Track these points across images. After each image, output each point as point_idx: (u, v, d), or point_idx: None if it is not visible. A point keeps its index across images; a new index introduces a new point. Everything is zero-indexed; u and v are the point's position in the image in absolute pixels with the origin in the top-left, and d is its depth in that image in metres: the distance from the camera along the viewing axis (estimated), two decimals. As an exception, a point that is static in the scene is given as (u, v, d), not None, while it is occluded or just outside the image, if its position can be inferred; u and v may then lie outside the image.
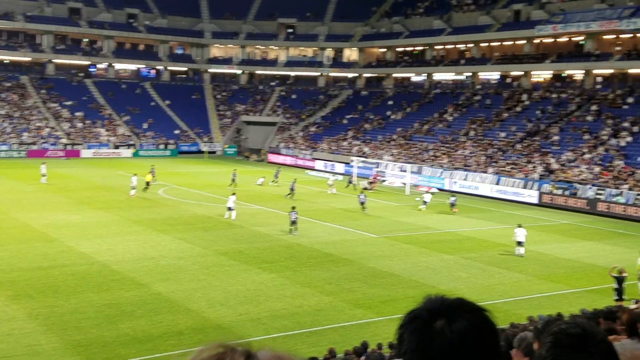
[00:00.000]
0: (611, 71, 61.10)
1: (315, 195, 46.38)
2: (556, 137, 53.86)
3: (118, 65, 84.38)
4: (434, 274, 25.77)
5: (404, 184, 52.09)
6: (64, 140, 68.96)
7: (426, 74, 77.86)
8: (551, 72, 66.24)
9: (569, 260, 29.04)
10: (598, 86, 60.62)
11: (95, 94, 78.43)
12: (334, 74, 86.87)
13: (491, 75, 72.06)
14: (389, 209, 42.23)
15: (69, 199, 40.51)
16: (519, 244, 29.18)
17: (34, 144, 66.93)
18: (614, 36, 60.21)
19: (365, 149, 64.80)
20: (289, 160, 68.91)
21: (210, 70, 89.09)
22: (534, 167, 50.02)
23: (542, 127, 56.62)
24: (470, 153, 56.46)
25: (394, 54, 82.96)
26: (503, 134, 57.89)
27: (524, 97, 62.90)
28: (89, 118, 73.90)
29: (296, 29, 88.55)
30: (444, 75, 76.95)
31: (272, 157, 71.30)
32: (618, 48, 60.56)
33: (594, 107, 55.90)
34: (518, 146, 55.00)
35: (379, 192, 49.58)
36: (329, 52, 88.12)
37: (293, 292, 22.44)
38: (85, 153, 68.47)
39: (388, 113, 72.45)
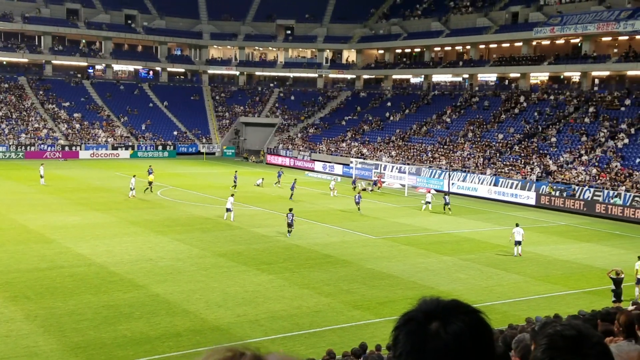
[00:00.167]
0: (608, 73, 61.23)
1: (314, 197, 46.39)
2: (554, 139, 53.92)
3: (116, 67, 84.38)
4: (433, 275, 25.79)
5: (403, 185, 52.14)
6: (62, 142, 68.91)
7: (424, 76, 77.94)
8: (549, 74, 66.38)
9: (567, 262, 29.05)
10: (595, 88, 60.71)
11: (93, 95, 78.37)
12: (332, 75, 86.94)
13: (489, 77, 72.16)
14: (388, 210, 42.25)
15: (66, 200, 40.48)
16: (517, 243, 29.26)
17: (32, 145, 66.90)
18: (612, 38, 60.29)
19: (364, 150, 64.84)
20: (287, 161, 68.91)
21: (208, 71, 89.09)
22: (531, 168, 50.08)
23: (539, 128, 56.68)
24: (469, 154, 56.53)
25: (393, 55, 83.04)
26: (501, 136, 57.96)
27: (522, 98, 62.95)
28: (87, 119, 73.87)
29: (295, 31, 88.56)
30: (442, 77, 77.07)
31: (271, 159, 71.33)
32: (615, 50, 60.68)
33: (591, 109, 55.96)
34: (516, 148, 55.07)
35: (378, 193, 49.65)
36: (328, 54, 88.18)
37: (291, 294, 22.43)
38: (83, 154, 68.42)
39: (387, 114, 72.53)
